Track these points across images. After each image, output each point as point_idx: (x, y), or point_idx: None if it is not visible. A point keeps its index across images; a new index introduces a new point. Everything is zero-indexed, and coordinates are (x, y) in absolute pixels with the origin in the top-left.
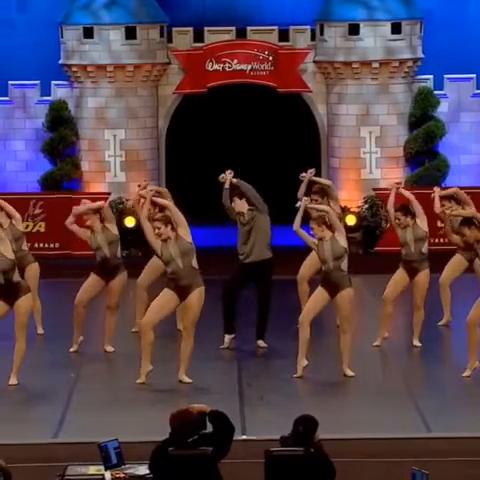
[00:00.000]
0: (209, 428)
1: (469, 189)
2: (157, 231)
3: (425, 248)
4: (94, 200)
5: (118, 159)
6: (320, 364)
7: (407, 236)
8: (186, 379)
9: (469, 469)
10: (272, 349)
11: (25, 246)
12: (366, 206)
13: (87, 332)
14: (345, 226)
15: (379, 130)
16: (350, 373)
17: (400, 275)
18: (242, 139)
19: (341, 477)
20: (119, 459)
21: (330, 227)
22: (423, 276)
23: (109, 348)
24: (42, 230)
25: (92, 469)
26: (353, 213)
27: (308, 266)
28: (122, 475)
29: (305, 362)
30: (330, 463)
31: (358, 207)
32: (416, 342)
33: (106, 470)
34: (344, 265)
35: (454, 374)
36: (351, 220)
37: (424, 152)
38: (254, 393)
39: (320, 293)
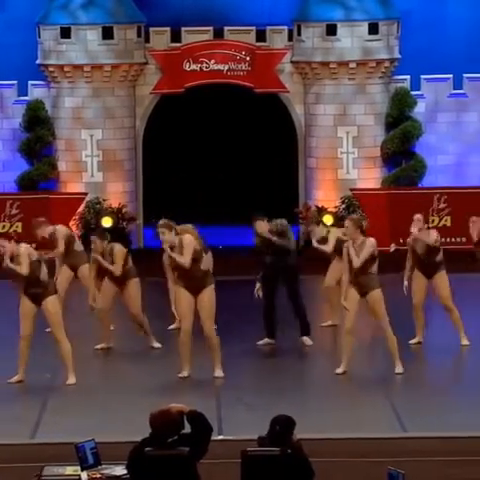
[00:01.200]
0: (187, 428)
1: (446, 189)
2: (161, 237)
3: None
4: (71, 200)
5: (95, 159)
6: (300, 364)
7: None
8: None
9: (446, 469)
10: (250, 349)
11: None
12: (343, 206)
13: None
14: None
15: (356, 130)
16: (400, 370)
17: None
18: (220, 139)
19: (319, 477)
20: (96, 459)
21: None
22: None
23: (156, 344)
24: (19, 230)
25: (69, 469)
26: (330, 213)
27: (333, 274)
28: (99, 475)
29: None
30: (308, 464)
31: (335, 207)
32: (464, 341)
33: (83, 470)
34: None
35: (429, 373)
36: (328, 220)
37: (401, 152)
38: (232, 393)
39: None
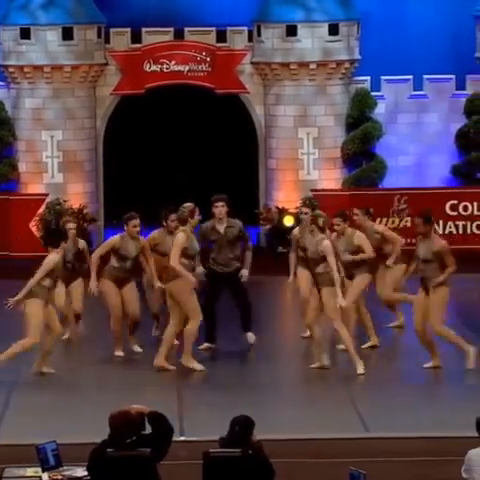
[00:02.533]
0: (148, 429)
1: (406, 190)
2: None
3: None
4: (31, 201)
5: (55, 160)
6: (263, 363)
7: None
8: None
9: (409, 469)
10: (214, 350)
11: None
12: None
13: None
14: (283, 226)
15: (317, 131)
16: (361, 371)
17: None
18: (180, 140)
19: (281, 478)
20: (57, 461)
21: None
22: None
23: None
24: None
25: (29, 471)
26: (291, 214)
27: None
28: (60, 477)
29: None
30: (269, 464)
31: (296, 208)
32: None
33: (43, 472)
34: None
35: (392, 374)
36: (289, 221)
37: (361, 153)
38: (193, 394)
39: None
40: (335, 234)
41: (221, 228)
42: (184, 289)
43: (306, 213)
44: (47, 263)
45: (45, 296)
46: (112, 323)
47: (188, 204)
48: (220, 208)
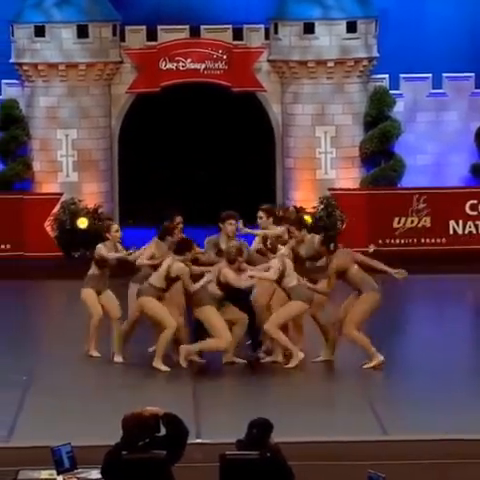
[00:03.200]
0: (163, 432)
1: (425, 190)
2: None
3: None
4: (46, 201)
5: (70, 159)
6: (278, 365)
7: None
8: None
9: (426, 472)
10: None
11: None
12: (321, 207)
13: (41, 335)
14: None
15: (334, 130)
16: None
17: None
18: (196, 139)
19: None
20: (72, 463)
21: None
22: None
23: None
24: None
25: (44, 473)
26: (309, 214)
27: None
28: (75, 479)
29: None
30: (287, 467)
31: (313, 207)
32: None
33: (58, 474)
34: None
35: (410, 376)
36: (307, 221)
37: (380, 152)
38: (209, 395)
39: None
40: (294, 240)
41: (224, 246)
42: (210, 314)
43: (261, 218)
44: (182, 273)
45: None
46: (125, 324)
47: (235, 243)
48: (233, 226)
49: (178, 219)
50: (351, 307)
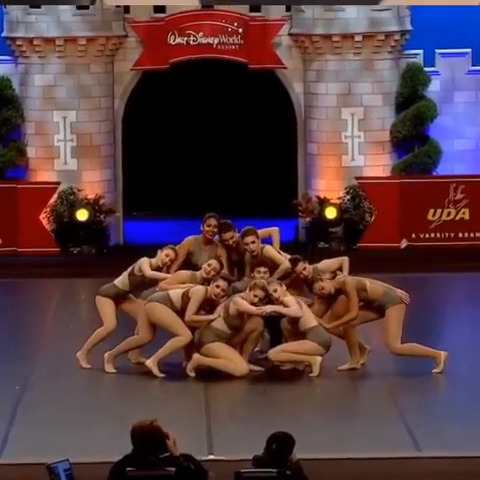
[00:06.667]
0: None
1: (463, 178)
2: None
3: None
4: (41, 190)
5: (69, 144)
6: (299, 376)
7: None
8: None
9: None
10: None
11: None
12: (348, 197)
13: (38, 344)
14: (324, 219)
15: (362, 112)
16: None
17: None
18: (209, 122)
19: None
20: None
21: None
22: None
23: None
24: None
25: None
26: (333, 205)
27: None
28: None
29: None
30: None
31: (339, 198)
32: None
33: None
34: None
35: (445, 390)
36: (331, 213)
37: (413, 136)
38: (223, 408)
39: None
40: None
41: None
42: (217, 350)
43: (253, 242)
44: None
45: None
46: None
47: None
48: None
49: (211, 222)
50: (342, 309)
